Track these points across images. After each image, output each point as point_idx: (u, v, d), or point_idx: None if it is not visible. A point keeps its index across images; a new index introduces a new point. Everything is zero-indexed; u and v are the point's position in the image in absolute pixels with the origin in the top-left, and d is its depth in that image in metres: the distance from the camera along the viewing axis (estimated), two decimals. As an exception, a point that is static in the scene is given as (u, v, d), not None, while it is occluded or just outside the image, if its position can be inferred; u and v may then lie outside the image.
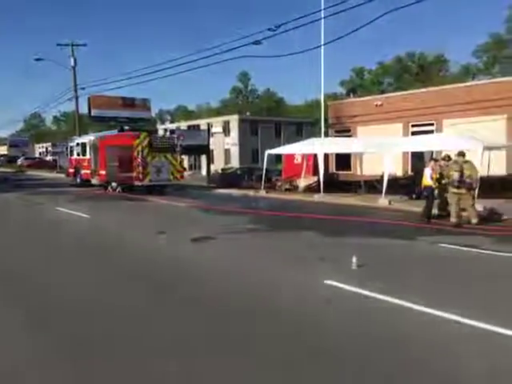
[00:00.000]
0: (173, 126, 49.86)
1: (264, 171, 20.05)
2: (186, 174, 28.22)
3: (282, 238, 9.55)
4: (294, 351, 3.83)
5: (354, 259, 6.47)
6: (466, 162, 10.69)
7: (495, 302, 5.09)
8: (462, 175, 10.41)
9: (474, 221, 10.48)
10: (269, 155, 20.60)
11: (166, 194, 19.97)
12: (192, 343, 4.01)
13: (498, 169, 16.81)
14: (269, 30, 19.61)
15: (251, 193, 20.08)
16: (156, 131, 25.18)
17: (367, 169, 19.58)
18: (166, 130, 42.31)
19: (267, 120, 51.30)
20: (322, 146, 19.09)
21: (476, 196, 11.42)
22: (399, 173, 20.44)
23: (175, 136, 21.30)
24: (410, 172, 20.20)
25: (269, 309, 4.95)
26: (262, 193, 19.57)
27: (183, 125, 53.34)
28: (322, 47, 19.22)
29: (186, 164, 41.07)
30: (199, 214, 14.08)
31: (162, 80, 77.41)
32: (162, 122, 75.76)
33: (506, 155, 16.72)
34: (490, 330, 4.17)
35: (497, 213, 11.67)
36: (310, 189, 19.47)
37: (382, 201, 14.79)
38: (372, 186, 17.64)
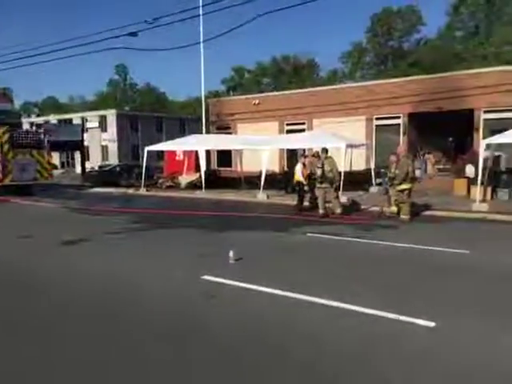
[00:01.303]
0: (40, 120, 45.31)
1: (144, 168, 19.49)
2: (56, 172, 25.99)
3: (159, 236, 9.42)
4: (169, 347, 3.87)
5: (231, 253, 6.71)
6: (327, 158, 11.74)
7: (358, 283, 5.76)
8: (323, 171, 11.45)
9: (338, 211, 11.64)
10: (149, 152, 20.06)
11: (32, 194, 18.18)
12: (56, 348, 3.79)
13: (360, 164, 18.92)
14: (145, 22, 19.07)
15: (131, 191, 19.39)
16: (20, 125, 22.63)
17: (247, 165, 20.33)
18: (32, 124, 38.23)
19: (148, 116, 49.59)
20: (203, 142, 19.27)
21: (341, 189, 12.70)
22: (276, 169, 21.65)
23: (42, 131, 19.47)
24: (285, 168, 21.52)
25: (142, 308, 4.88)
26: (143, 191, 19.03)
27: (53, 119, 48.76)
28: (202, 44, 19.38)
29: (57, 161, 37.78)
30: (71, 215, 13.10)
31: (28, 69, 69.67)
32: (28, 115, 68.08)
33: (364, 152, 18.82)
34: (359, 312, 4.67)
35: (357, 203, 13.15)
36: (193, 185, 19.51)
37: (261, 196, 15.55)
38: (251, 182, 18.38)
